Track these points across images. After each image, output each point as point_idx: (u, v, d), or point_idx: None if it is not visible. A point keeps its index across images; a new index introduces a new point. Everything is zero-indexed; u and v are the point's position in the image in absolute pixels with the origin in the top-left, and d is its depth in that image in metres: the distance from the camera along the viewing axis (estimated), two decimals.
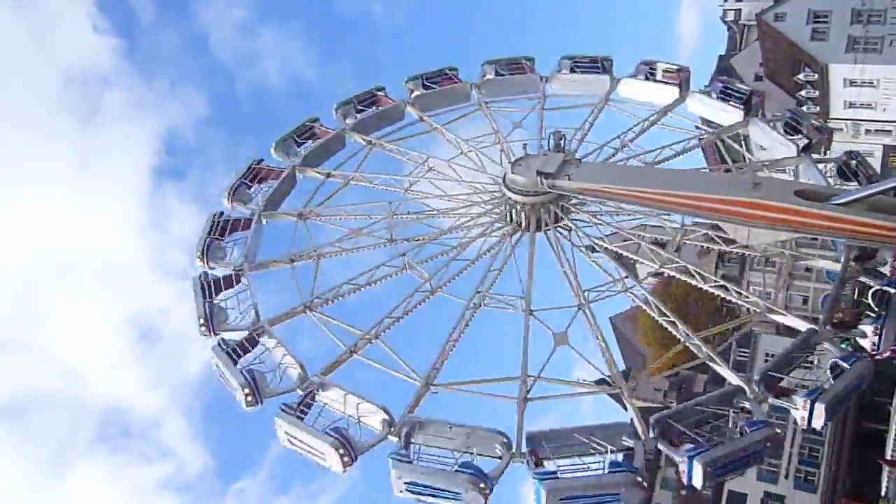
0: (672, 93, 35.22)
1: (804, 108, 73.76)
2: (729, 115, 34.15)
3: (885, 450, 52.50)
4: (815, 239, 30.48)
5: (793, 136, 32.33)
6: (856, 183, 30.62)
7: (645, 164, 33.10)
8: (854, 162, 31.67)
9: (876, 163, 72.13)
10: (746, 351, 70.40)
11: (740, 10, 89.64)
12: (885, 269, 26.93)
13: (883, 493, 51.59)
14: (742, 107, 33.70)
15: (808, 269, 70.09)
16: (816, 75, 73.39)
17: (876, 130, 75.69)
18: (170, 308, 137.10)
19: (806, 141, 32.07)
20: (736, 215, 26.76)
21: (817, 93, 74.23)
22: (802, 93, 74.37)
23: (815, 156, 32.26)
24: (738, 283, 74.76)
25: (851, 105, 74.69)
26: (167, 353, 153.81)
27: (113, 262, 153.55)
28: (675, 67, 35.64)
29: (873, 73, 71.87)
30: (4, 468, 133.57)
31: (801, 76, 74.23)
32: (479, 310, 29.87)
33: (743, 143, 36.43)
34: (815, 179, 30.79)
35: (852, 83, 73.26)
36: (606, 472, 23.04)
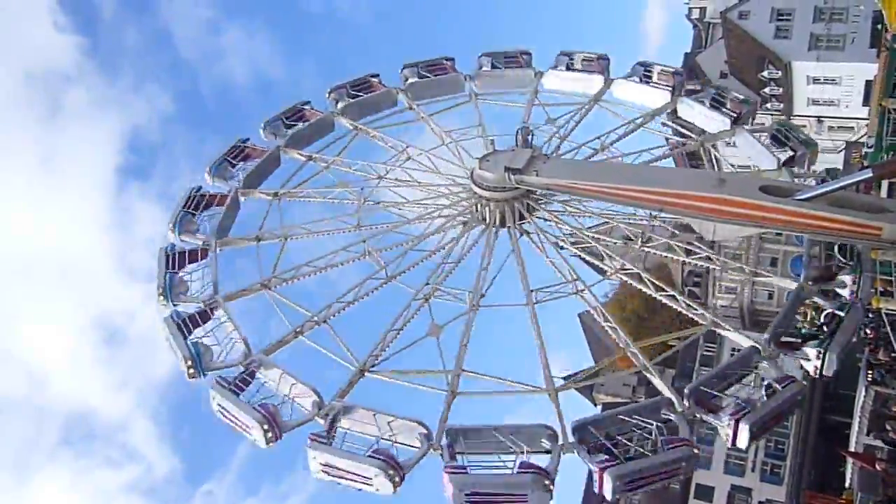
0: (595, 81, 35.37)
1: (767, 106, 74.87)
2: (656, 97, 34.39)
3: (849, 442, 53.13)
4: (780, 234, 30.91)
5: (720, 110, 32.91)
6: (789, 148, 31.22)
7: (594, 153, 33.15)
8: (785, 128, 32.32)
9: (839, 159, 73.16)
10: (713, 346, 71.27)
11: (705, 7, 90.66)
12: (845, 292, 27.31)
13: (847, 485, 52.22)
14: (667, 87, 34.12)
15: (773, 264, 71.10)
16: (780, 73, 74.38)
17: (839, 127, 76.86)
18: (135, 310, 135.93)
19: (734, 115, 32.61)
20: (701, 211, 26.86)
21: (781, 90, 75.21)
22: (766, 90, 75.32)
23: (746, 127, 32.83)
24: (705, 276, 75.72)
25: (815, 102, 75.86)
26: (133, 355, 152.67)
27: (77, 263, 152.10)
28: (595, 56, 35.80)
29: (836, 71, 73.04)
30: None
31: (765, 73, 75.24)
32: (428, 301, 29.63)
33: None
34: (754, 149, 31.83)
35: (815, 80, 74.39)
36: (515, 471, 22.88)
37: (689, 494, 71.50)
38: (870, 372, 49.71)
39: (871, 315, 41.74)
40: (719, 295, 76.69)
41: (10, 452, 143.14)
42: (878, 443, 49.22)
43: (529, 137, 32.09)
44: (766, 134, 32.32)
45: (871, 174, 26.86)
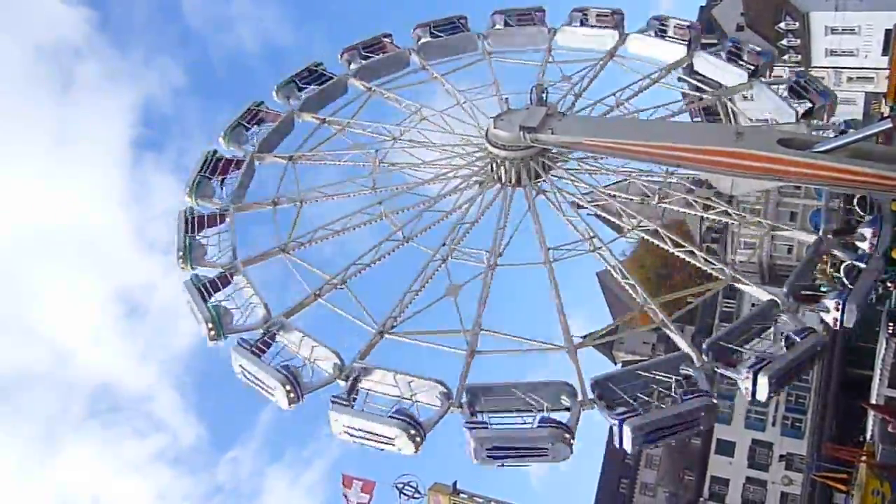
0: (610, 36, 34.91)
1: (785, 58, 73.77)
2: (671, 51, 33.93)
3: (870, 394, 53.13)
4: (799, 187, 30.63)
5: (737, 63, 32.44)
6: (808, 100, 30.71)
7: (610, 109, 32.72)
8: (803, 80, 31.68)
9: (858, 110, 72.31)
10: (732, 302, 71.14)
11: None
12: (864, 245, 27.01)
13: (868, 437, 52.30)
14: (683, 41, 33.67)
15: (792, 218, 70.61)
16: (797, 24, 73.18)
17: (858, 78, 75.69)
18: (155, 282, 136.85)
19: (752, 67, 32.16)
20: (719, 165, 26.59)
21: (799, 41, 74.08)
22: (784, 41, 74.16)
23: (764, 80, 32.27)
24: (724, 231, 75.37)
25: (833, 53, 74.64)
26: (155, 327, 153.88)
27: (96, 237, 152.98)
28: (609, 11, 35.29)
29: (854, 20, 71.72)
30: None
31: (782, 25, 74.01)
32: (446, 262, 29.70)
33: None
34: (772, 101, 31.24)
35: (833, 31, 73.12)
36: (536, 426, 23.15)
37: (710, 449, 71.90)
38: (890, 324, 49.60)
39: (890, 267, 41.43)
40: (738, 251, 76.37)
41: (39, 426, 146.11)
42: None
43: (544, 95, 31.78)
44: (783, 86, 31.85)
45: (891, 124, 26.48)
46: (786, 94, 31.49)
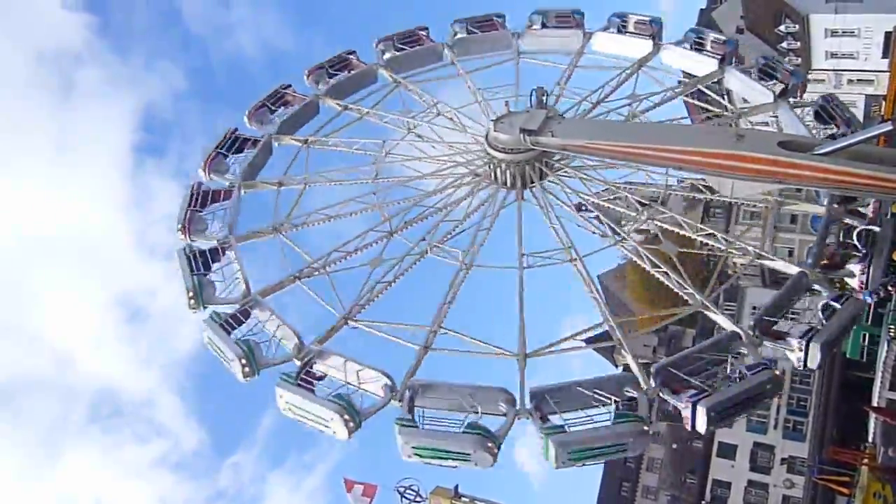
0: (645, 45, 34.86)
1: (786, 59, 73.75)
2: (704, 65, 33.88)
3: (871, 397, 52.99)
4: (800, 190, 30.52)
5: (768, 82, 32.32)
6: (833, 126, 30.68)
7: (626, 118, 32.90)
8: (830, 105, 31.60)
9: (858, 113, 72.15)
10: (734, 304, 71.00)
11: None
12: (868, 210, 26.97)
13: (870, 440, 52.19)
14: (717, 56, 33.50)
15: (793, 221, 70.52)
16: (797, 26, 73.11)
17: (858, 80, 75.60)
18: (157, 287, 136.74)
19: (782, 86, 32.12)
20: (720, 168, 26.60)
21: (799, 44, 74.00)
22: (784, 44, 74.08)
23: (791, 100, 32.20)
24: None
25: (833, 55, 74.52)
26: (156, 332, 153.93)
27: (97, 242, 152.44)
28: (648, 19, 35.28)
29: (854, 23, 71.63)
30: None
31: (782, 28, 73.95)
32: (423, 257, 30.13)
33: (726, 96, 36.12)
34: (794, 124, 30.89)
35: (833, 33, 73.02)
36: (613, 422, 23.23)
37: (711, 452, 71.83)
38: (892, 327, 49.43)
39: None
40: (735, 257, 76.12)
41: (40, 431, 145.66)
42: None
43: (544, 98, 31.80)
44: (809, 108, 31.71)
45: (891, 127, 26.45)
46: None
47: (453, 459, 23.52)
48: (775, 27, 74.12)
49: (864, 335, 50.67)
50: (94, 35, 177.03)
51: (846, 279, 25.97)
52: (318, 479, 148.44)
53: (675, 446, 75.45)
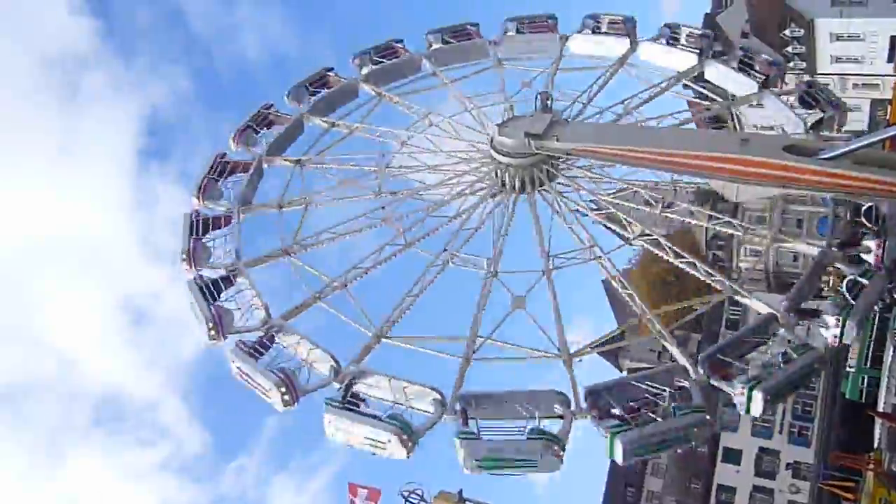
0: (622, 44, 34.97)
1: (790, 65, 73.65)
2: (683, 59, 34.00)
3: (877, 402, 52.87)
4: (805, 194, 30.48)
5: (749, 73, 32.55)
6: (818, 110, 30.78)
7: (618, 117, 32.91)
8: (814, 90, 31.77)
9: (864, 117, 72.05)
10: (738, 309, 70.79)
11: None
12: (869, 257, 26.88)
13: (875, 445, 52.04)
14: (695, 50, 33.70)
15: (798, 225, 70.36)
16: (802, 31, 73.03)
17: (863, 85, 75.42)
18: (161, 291, 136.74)
19: (763, 77, 32.28)
20: (725, 172, 26.53)
21: (804, 48, 73.93)
22: (789, 49, 74.02)
23: (775, 90, 32.40)
24: (729, 240, 75.03)
25: (838, 60, 74.37)
26: (160, 336, 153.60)
27: (101, 246, 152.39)
28: (621, 18, 35.41)
29: (859, 27, 71.50)
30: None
31: (787, 32, 73.84)
32: (445, 267, 29.92)
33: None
34: (782, 112, 31.34)
35: (838, 37, 72.89)
36: (525, 437, 23.15)
37: (716, 457, 71.62)
38: None
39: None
40: (744, 258, 76.10)
41: (43, 434, 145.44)
42: None
43: (549, 102, 31.79)
44: (793, 96, 31.71)
45: None
46: (796, 103, 31.46)
47: (520, 468, 23.25)
48: (780, 31, 74.00)
49: (863, 378, 51.20)
50: (98, 39, 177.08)
51: (821, 329, 25.85)
52: (322, 482, 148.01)
53: (679, 451, 75.21)
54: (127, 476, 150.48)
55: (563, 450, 23.28)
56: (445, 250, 30.28)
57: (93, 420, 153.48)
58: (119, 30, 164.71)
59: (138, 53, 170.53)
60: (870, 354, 51.05)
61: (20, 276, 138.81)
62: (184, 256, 29.63)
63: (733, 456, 71.29)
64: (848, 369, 56.42)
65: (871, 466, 49.87)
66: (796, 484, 67.98)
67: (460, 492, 53.49)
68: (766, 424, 69.64)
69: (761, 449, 70.41)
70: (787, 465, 69.11)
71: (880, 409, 51.59)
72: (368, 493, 47.06)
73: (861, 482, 51.30)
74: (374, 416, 24.40)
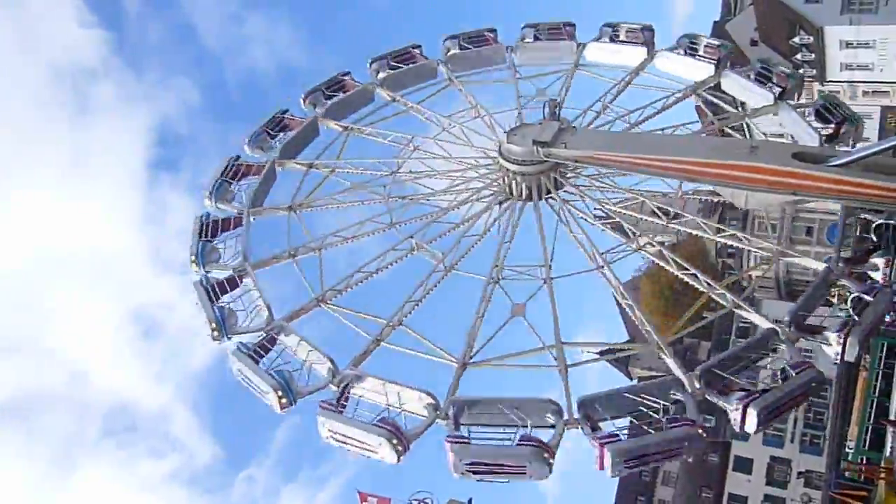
0: (639, 53, 34.97)
1: (800, 71, 73.52)
2: (700, 70, 33.91)
3: (890, 411, 52.53)
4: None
5: (765, 85, 32.24)
6: (834, 124, 30.52)
7: (631, 126, 32.94)
8: (831, 104, 31.49)
9: (874, 124, 71.82)
10: (748, 318, 70.49)
11: None
12: (877, 275, 26.69)
13: (888, 453, 51.70)
14: (712, 60, 33.58)
15: (808, 233, 70.21)
16: (812, 38, 72.84)
17: (873, 92, 75.23)
18: (172, 302, 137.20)
19: (779, 89, 32.05)
20: (734, 179, 26.52)
21: (813, 56, 73.76)
22: (798, 56, 73.85)
23: (791, 102, 32.18)
24: (739, 248, 74.79)
25: (848, 67, 74.17)
26: (171, 347, 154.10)
27: (112, 258, 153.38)
28: (639, 27, 35.42)
29: (869, 34, 71.30)
30: (11, 468, 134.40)
31: (796, 39, 73.66)
32: (448, 273, 29.92)
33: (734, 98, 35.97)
34: (797, 124, 31.04)
35: (848, 45, 72.69)
36: (516, 443, 23.13)
37: (727, 466, 71.34)
38: None
39: None
40: (754, 265, 75.90)
41: (55, 446, 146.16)
42: None
43: (557, 110, 31.82)
44: (809, 109, 31.49)
45: None
46: (811, 117, 31.33)
47: (509, 474, 23.27)
48: (789, 39, 73.83)
49: (863, 459, 51.28)
50: (109, 51, 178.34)
51: (822, 345, 25.68)
52: (332, 492, 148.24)
53: (690, 460, 74.93)
54: (137, 487, 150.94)
55: (553, 458, 23.24)
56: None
57: (104, 431, 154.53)
58: (129, 42, 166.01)
59: (149, 66, 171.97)
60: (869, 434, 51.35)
61: (32, 287, 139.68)
62: (193, 258, 29.87)
63: (744, 465, 71.03)
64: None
65: (883, 475, 49.52)
66: (808, 493, 67.61)
67: (470, 501, 53.34)
68: (777, 433, 69.39)
69: (772, 458, 70.15)
70: (799, 473, 68.81)
71: (892, 417, 51.24)
72: (378, 501, 47.00)
73: (873, 491, 50.93)
74: (365, 420, 24.43)
